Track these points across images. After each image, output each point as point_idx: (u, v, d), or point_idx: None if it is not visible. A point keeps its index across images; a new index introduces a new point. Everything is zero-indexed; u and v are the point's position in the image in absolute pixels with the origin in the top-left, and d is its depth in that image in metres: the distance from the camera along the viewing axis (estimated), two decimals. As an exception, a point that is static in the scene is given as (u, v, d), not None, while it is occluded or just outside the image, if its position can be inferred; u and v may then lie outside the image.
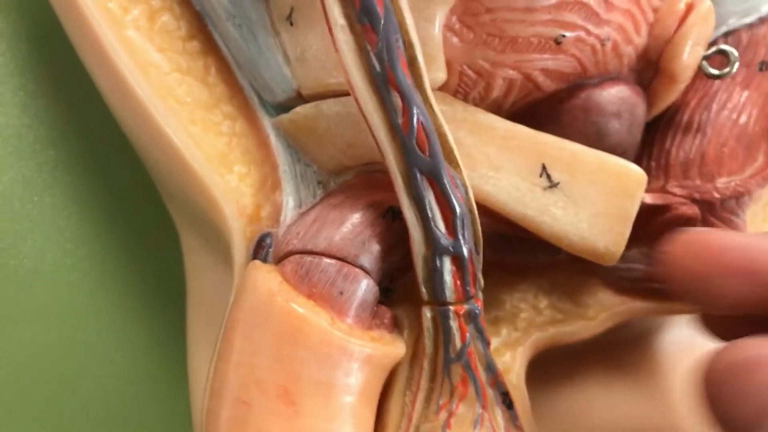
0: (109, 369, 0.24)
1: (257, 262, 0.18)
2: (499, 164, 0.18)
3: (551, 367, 0.24)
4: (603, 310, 0.22)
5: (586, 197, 0.18)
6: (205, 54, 0.19)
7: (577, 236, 0.18)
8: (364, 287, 0.17)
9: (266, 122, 0.20)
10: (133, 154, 0.22)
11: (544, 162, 0.18)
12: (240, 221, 0.18)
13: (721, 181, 0.22)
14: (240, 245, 0.18)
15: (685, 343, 0.26)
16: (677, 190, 0.22)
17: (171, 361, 0.24)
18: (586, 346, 0.24)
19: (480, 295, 0.18)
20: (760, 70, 0.24)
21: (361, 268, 0.17)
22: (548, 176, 0.18)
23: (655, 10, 0.21)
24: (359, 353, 0.16)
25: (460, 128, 0.18)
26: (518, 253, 0.22)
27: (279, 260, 0.18)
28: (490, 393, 0.18)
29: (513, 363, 0.21)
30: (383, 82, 0.16)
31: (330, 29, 0.16)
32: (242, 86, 0.20)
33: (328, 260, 0.17)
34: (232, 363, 0.16)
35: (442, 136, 0.17)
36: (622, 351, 0.25)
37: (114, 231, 0.25)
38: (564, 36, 0.19)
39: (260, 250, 0.18)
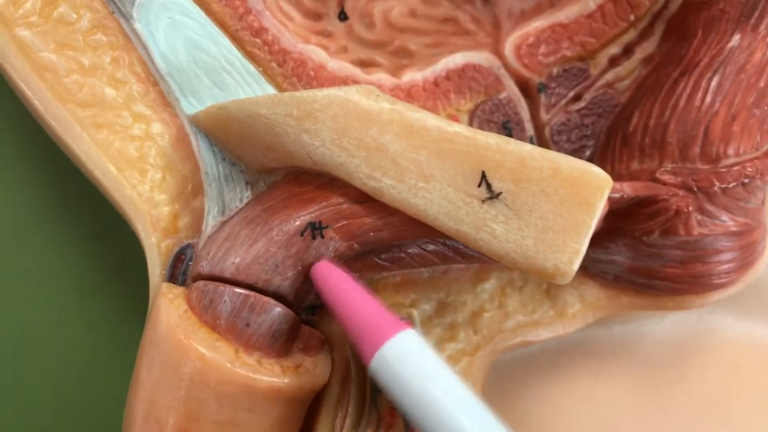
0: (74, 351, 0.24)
1: (165, 287, 0.16)
2: (430, 173, 0.15)
3: (528, 366, 0.22)
4: (584, 305, 0.20)
5: (532, 210, 0.15)
6: (112, 47, 0.17)
7: (521, 255, 0.15)
8: (275, 316, 0.15)
9: (185, 120, 0.17)
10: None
11: (484, 169, 0.15)
12: (154, 236, 0.17)
13: (726, 163, 0.19)
14: (154, 263, 0.16)
15: (678, 336, 0.24)
16: (668, 177, 0.18)
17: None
18: (566, 342, 0.22)
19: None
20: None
21: (274, 294, 0.15)
22: (488, 186, 0.15)
23: None
24: (266, 389, 0.15)
25: (385, 131, 0.15)
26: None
27: (194, 279, 0.16)
28: (422, 421, 0.17)
29: (470, 368, 0.19)
30: None
31: None
32: (157, 79, 0.17)
33: (234, 289, 0.15)
34: (138, 397, 0.15)
35: None
36: (606, 345, 0.23)
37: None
38: None
39: (179, 264, 0.17)
